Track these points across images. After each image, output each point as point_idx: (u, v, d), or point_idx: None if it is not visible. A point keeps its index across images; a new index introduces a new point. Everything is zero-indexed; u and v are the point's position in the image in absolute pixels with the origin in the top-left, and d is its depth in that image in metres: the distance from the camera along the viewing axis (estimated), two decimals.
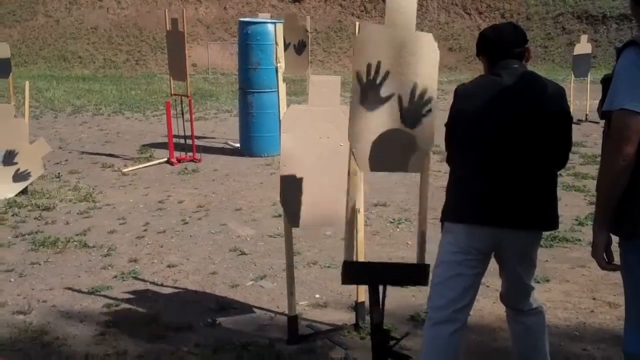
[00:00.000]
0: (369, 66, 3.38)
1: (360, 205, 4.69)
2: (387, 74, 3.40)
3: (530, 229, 3.44)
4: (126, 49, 35.02)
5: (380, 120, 3.45)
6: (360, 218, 4.74)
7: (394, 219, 7.51)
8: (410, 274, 3.83)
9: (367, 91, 3.41)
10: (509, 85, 3.38)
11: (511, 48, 3.51)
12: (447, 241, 3.52)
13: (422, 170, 3.58)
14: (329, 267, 6.07)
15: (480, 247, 3.42)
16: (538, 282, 5.30)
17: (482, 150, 3.36)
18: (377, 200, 8.15)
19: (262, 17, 12.54)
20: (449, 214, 3.52)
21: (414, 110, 3.49)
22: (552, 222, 3.51)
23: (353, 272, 3.73)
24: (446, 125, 3.57)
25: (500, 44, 3.53)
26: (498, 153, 3.33)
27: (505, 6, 35.44)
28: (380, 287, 3.80)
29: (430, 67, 3.49)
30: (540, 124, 3.35)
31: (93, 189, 9.19)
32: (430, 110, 3.50)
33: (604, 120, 3.03)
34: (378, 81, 3.39)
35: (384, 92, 3.42)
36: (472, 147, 3.39)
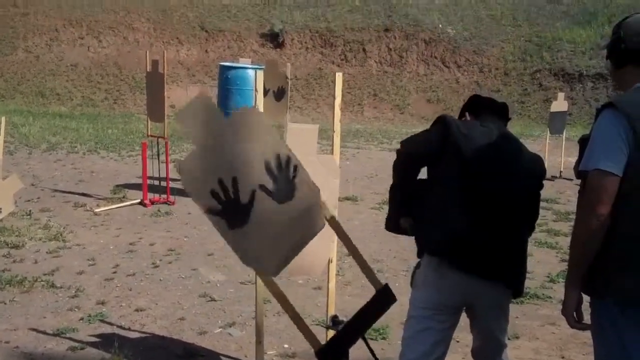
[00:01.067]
0: (213, 192, 2.84)
1: (333, 254, 4.67)
2: (234, 180, 2.89)
3: (502, 284, 3.45)
4: (105, 88, 34.96)
5: (259, 223, 2.97)
6: (333, 267, 4.72)
7: None
8: (379, 303, 3.80)
9: (229, 214, 2.88)
10: (493, 135, 3.42)
11: (495, 114, 3.58)
12: (415, 297, 3.52)
13: (326, 221, 3.29)
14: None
15: (448, 303, 3.41)
16: (508, 338, 5.28)
17: (466, 195, 3.35)
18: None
19: (243, 62, 12.62)
20: (430, 248, 3.48)
21: (282, 183, 3.00)
22: (521, 287, 3.54)
23: (330, 353, 3.64)
24: (423, 142, 3.52)
25: (490, 106, 3.60)
26: (481, 202, 3.34)
27: (483, 61, 35.89)
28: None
29: (265, 135, 2.96)
30: (519, 184, 3.39)
31: (64, 228, 9.09)
32: (295, 168, 2.99)
33: (579, 179, 3.06)
34: (232, 195, 2.88)
35: (244, 198, 2.91)
36: (457, 188, 3.38)
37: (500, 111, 3.65)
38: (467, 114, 3.71)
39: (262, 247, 3.00)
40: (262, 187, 2.92)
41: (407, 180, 3.59)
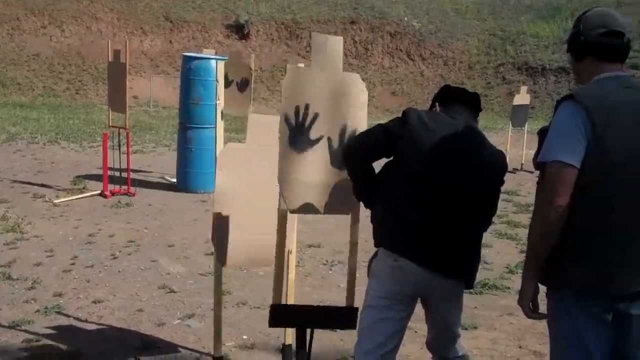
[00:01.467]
0: (297, 109, 3.36)
1: (293, 246, 4.64)
2: (316, 116, 3.39)
3: (457, 279, 3.45)
4: (67, 78, 34.55)
5: (310, 162, 3.43)
6: (292, 259, 4.69)
7: (327, 261, 7.48)
8: (339, 317, 3.81)
9: (295, 134, 3.39)
10: (458, 129, 3.39)
11: (467, 106, 3.57)
12: (372, 287, 3.50)
13: (352, 211, 3.58)
14: (258, 307, 5.98)
15: (405, 293, 3.40)
16: (466, 329, 5.31)
17: (422, 187, 3.34)
18: (311, 241, 8.10)
19: (207, 52, 12.50)
20: (386, 240, 3.47)
21: (341, 153, 3.49)
22: (473, 280, 3.56)
23: (280, 315, 3.68)
24: (384, 129, 3.45)
25: (461, 98, 3.59)
26: (437, 195, 3.33)
27: (448, 54, 36.12)
28: (308, 330, 3.76)
29: (359, 108, 3.51)
30: (478, 179, 3.39)
31: (22, 219, 8.94)
32: None
33: (539, 171, 3.06)
34: (307, 124, 3.38)
35: (313, 134, 3.41)
36: (413, 181, 3.34)
37: (471, 102, 3.63)
38: (437, 104, 3.68)
39: (298, 180, 3.43)
40: (329, 141, 3.44)
41: (356, 170, 3.58)
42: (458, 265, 3.41)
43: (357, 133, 3.50)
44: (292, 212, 3.53)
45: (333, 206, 3.56)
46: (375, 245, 3.57)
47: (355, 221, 3.59)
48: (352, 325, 3.68)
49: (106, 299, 6.13)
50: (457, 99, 3.61)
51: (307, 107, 3.37)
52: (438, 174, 3.32)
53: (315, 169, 3.44)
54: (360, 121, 3.50)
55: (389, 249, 3.40)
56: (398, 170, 3.41)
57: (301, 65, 3.88)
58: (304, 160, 3.42)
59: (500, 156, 3.57)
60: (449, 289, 3.46)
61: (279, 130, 3.37)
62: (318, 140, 3.43)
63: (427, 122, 3.37)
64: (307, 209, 3.53)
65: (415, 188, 3.34)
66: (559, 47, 33.04)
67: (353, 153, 3.50)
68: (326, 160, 3.46)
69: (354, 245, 3.61)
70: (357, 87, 3.50)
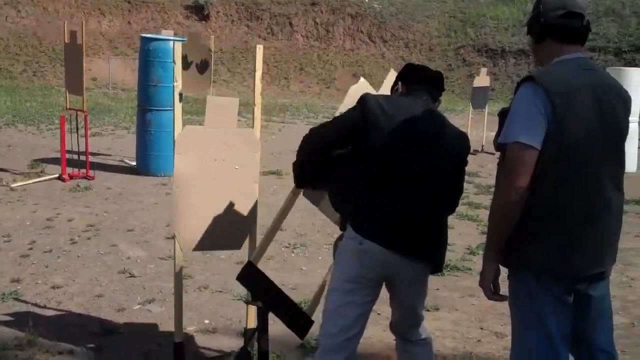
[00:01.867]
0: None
1: (255, 229, 4.61)
2: None
3: (422, 260, 3.45)
4: (24, 60, 33.93)
5: None
6: (255, 242, 4.66)
7: (289, 244, 7.46)
8: (295, 319, 3.89)
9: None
10: (417, 111, 3.40)
11: (429, 85, 3.57)
12: (337, 270, 3.50)
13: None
14: (220, 291, 5.95)
15: (370, 276, 3.40)
16: (428, 310, 5.33)
17: (385, 171, 3.33)
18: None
19: (166, 34, 12.36)
20: (351, 224, 3.45)
21: None
22: (441, 262, 3.57)
23: (250, 275, 3.69)
24: (337, 123, 3.52)
25: (421, 77, 3.60)
26: (401, 179, 3.33)
27: (409, 36, 36.18)
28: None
29: None
30: (440, 160, 3.40)
31: None
32: None
33: (499, 152, 3.07)
34: None
35: None
36: (376, 165, 3.34)
37: (434, 82, 3.64)
38: (400, 84, 3.67)
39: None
40: None
41: (303, 160, 3.67)
42: (425, 248, 3.41)
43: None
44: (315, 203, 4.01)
45: None
46: (340, 229, 3.57)
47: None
48: (301, 335, 3.75)
49: (65, 285, 6.05)
50: (419, 79, 3.61)
51: None
52: (400, 157, 3.32)
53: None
54: None
55: (353, 229, 3.39)
56: (360, 156, 3.41)
57: None
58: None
59: (462, 138, 3.58)
60: (415, 272, 3.46)
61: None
62: None
63: (385, 108, 3.38)
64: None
65: (378, 172, 3.34)
66: (518, 30, 33.28)
67: (305, 144, 3.59)
68: None
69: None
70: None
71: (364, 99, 3.41)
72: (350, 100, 3.77)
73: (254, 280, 3.88)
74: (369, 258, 3.34)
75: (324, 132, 3.55)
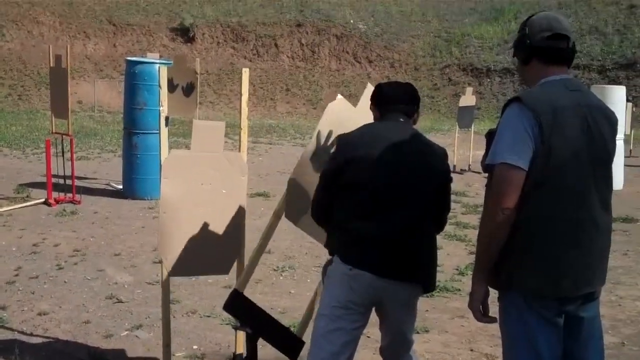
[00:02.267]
0: (329, 134, 3.92)
1: (242, 252, 4.58)
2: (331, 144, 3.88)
3: (413, 283, 3.44)
4: (9, 83, 33.86)
5: (314, 183, 3.68)
6: (242, 266, 4.63)
7: (277, 267, 7.42)
8: (286, 342, 3.85)
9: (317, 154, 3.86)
10: (392, 136, 3.42)
11: (401, 103, 3.56)
12: (326, 295, 3.48)
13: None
14: (208, 316, 5.90)
15: (360, 301, 3.38)
16: (417, 332, 5.31)
17: (368, 199, 3.36)
18: None
19: (151, 57, 12.36)
20: (340, 251, 3.47)
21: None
22: (432, 282, 3.55)
23: (238, 304, 3.65)
24: (325, 174, 3.53)
25: (392, 98, 3.58)
26: (385, 205, 3.35)
27: (394, 56, 36.36)
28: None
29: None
30: (422, 180, 3.40)
31: None
32: None
33: (486, 173, 3.07)
34: (325, 147, 3.95)
35: (323, 156, 3.88)
36: (362, 194, 3.37)
37: (407, 99, 3.64)
38: (373, 107, 3.69)
39: (304, 196, 3.76)
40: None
41: (322, 224, 3.75)
42: (415, 270, 3.40)
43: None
44: (294, 222, 4.01)
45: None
46: (330, 254, 3.56)
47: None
48: (293, 357, 3.71)
49: (52, 311, 5.98)
50: (390, 101, 3.60)
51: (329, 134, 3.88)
52: (382, 184, 3.35)
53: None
54: None
55: (343, 260, 3.39)
56: (343, 189, 3.43)
57: None
58: (313, 178, 3.74)
59: (441, 155, 3.57)
60: (405, 294, 3.45)
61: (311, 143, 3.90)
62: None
63: (361, 141, 3.44)
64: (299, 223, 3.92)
65: (362, 200, 3.36)
66: (503, 49, 33.53)
67: (315, 219, 3.70)
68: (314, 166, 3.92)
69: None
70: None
71: (337, 142, 3.53)
72: (329, 117, 3.80)
73: (242, 308, 3.85)
74: (358, 283, 3.33)
75: (319, 198, 3.59)
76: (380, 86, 3.73)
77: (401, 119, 3.55)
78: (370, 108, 3.73)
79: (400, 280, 3.37)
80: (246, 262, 4.32)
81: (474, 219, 10.08)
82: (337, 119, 3.60)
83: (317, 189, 3.62)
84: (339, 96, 3.97)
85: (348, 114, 3.73)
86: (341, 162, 3.43)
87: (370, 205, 3.36)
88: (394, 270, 3.33)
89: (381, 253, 3.31)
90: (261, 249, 4.03)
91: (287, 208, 3.76)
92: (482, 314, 3.08)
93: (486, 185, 3.10)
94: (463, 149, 15.56)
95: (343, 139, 3.50)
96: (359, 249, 3.35)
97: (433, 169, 3.48)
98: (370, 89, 3.90)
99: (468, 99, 15.90)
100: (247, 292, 4.67)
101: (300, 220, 3.95)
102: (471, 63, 34.48)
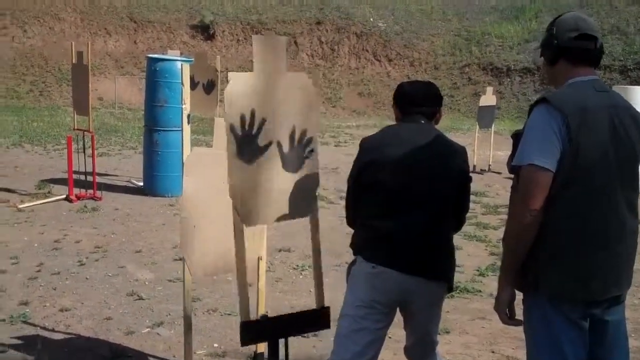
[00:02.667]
0: (242, 117, 3.18)
1: (263, 252, 4.58)
2: (262, 121, 3.24)
3: (439, 281, 3.45)
4: (30, 80, 34.02)
5: (261, 171, 3.29)
6: (263, 265, 4.63)
7: (297, 265, 7.42)
8: (312, 320, 3.75)
9: (243, 143, 3.21)
10: (412, 137, 3.44)
11: (422, 105, 3.57)
12: (349, 294, 3.48)
13: (310, 214, 3.51)
14: (229, 314, 5.91)
15: (384, 300, 3.39)
16: (438, 333, 5.28)
17: (391, 197, 3.41)
18: (281, 246, 8.03)
19: (172, 54, 12.38)
20: (363, 250, 3.51)
21: (295, 153, 3.39)
22: (452, 281, 3.56)
23: (252, 331, 3.59)
24: (351, 176, 3.55)
25: (413, 98, 3.59)
26: (407, 204, 3.40)
27: (414, 55, 36.21)
28: (282, 340, 3.70)
29: (307, 107, 3.40)
30: (441, 181, 3.42)
31: None
32: (312, 151, 3.43)
33: (512, 175, 3.07)
34: (254, 131, 3.22)
35: (261, 141, 3.26)
36: (383, 193, 3.42)
37: (429, 100, 3.65)
38: (395, 107, 3.71)
39: (251, 192, 3.26)
40: (279, 145, 3.29)
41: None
42: (438, 267, 3.43)
43: (307, 134, 3.42)
44: (249, 225, 3.33)
45: (291, 212, 3.46)
46: (354, 254, 3.57)
47: (315, 226, 3.50)
48: (325, 325, 3.63)
49: (73, 307, 6.02)
50: (411, 102, 3.61)
51: (252, 113, 3.20)
52: (403, 184, 3.41)
53: (269, 176, 3.31)
54: (310, 121, 3.40)
55: (366, 259, 3.40)
56: (366, 187, 3.50)
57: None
58: (256, 170, 3.27)
59: (461, 153, 3.61)
60: (430, 293, 3.45)
61: (226, 142, 3.19)
62: (267, 146, 3.28)
63: (381, 142, 3.52)
64: (264, 220, 3.44)
65: (382, 199, 3.43)
66: (523, 48, 33.29)
67: (349, 220, 3.79)
68: (278, 165, 3.34)
69: (316, 251, 3.54)
70: (303, 87, 3.38)
71: (360, 145, 3.58)
72: (234, 101, 3.23)
73: (258, 334, 3.77)
74: (383, 282, 3.34)
75: (348, 202, 3.73)
76: (402, 86, 3.74)
77: (422, 121, 3.56)
78: (392, 107, 3.74)
79: (426, 278, 3.38)
80: (267, 260, 4.30)
81: (494, 220, 10.03)
82: (241, 98, 3.22)
83: (346, 194, 3.71)
84: (230, 73, 3.55)
85: (248, 85, 3.27)
86: (362, 164, 3.51)
87: (391, 204, 3.41)
88: (419, 267, 3.35)
89: (403, 250, 3.35)
90: (243, 269, 3.70)
91: (244, 216, 3.47)
92: (508, 317, 3.08)
93: (512, 187, 3.09)
94: (483, 149, 15.45)
95: (365, 143, 3.58)
96: (382, 246, 3.40)
97: (452, 169, 3.51)
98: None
99: (488, 98, 15.80)
100: (267, 291, 4.68)
101: (262, 218, 3.59)
102: (491, 62, 34.26)
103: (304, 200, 3.45)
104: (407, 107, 3.62)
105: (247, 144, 3.21)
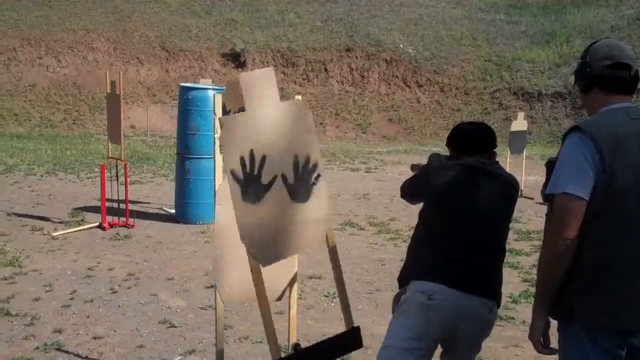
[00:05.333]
0: (242, 160, 3.02)
1: (294, 280, 4.58)
2: (263, 158, 3.10)
3: (491, 301, 3.47)
4: (64, 108, 34.56)
5: (269, 209, 3.14)
6: (294, 293, 4.62)
7: (328, 293, 7.40)
8: (344, 343, 3.73)
9: (247, 185, 3.04)
10: (471, 178, 3.58)
11: (480, 151, 3.66)
12: (395, 325, 3.47)
13: (327, 241, 3.47)
14: (260, 342, 5.90)
15: (432, 332, 3.37)
16: None
17: (447, 220, 3.54)
18: (312, 272, 8.03)
19: (204, 82, 12.55)
20: (419, 275, 3.53)
21: (302, 183, 3.26)
22: (500, 302, 3.59)
23: None
24: (418, 175, 3.77)
25: (471, 143, 3.74)
26: (465, 231, 3.50)
27: (444, 80, 36.25)
28: None
29: (305, 132, 3.27)
30: (502, 214, 3.60)
31: (20, 253, 8.86)
32: (319, 176, 3.28)
33: (547, 203, 3.05)
34: (256, 171, 3.06)
35: (265, 178, 3.10)
36: (437, 215, 3.58)
37: (479, 146, 3.72)
38: (450, 148, 3.82)
39: (262, 232, 3.10)
40: (284, 177, 3.13)
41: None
42: (492, 287, 3.47)
43: (310, 160, 3.28)
44: (265, 265, 3.15)
45: (307, 241, 3.39)
46: (402, 284, 3.59)
47: (333, 253, 3.43)
48: (358, 345, 3.60)
49: (106, 335, 6.05)
50: (468, 147, 3.69)
51: (251, 153, 3.05)
52: (461, 208, 3.53)
53: (278, 211, 3.18)
54: (309, 147, 3.27)
55: (422, 279, 3.45)
56: (427, 208, 3.67)
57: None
58: (264, 208, 3.12)
59: (513, 185, 3.72)
60: (481, 318, 3.46)
61: (230, 189, 3.00)
62: (272, 182, 3.13)
63: (445, 163, 3.66)
64: (279, 255, 3.37)
65: (443, 224, 3.56)
66: (554, 73, 33.18)
67: (403, 194, 4.00)
68: (286, 198, 3.20)
69: (339, 279, 3.50)
70: (298, 113, 3.25)
71: (428, 160, 3.76)
72: (237, 134, 3.09)
73: None
74: (437, 312, 3.34)
75: (407, 188, 3.96)
76: (456, 131, 3.85)
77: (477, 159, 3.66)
78: (447, 146, 3.82)
79: (478, 295, 3.44)
80: (297, 287, 4.30)
81: (527, 246, 9.94)
82: (237, 140, 3.16)
83: (409, 179, 3.89)
84: (220, 117, 3.41)
85: (242, 126, 3.09)
86: (429, 182, 3.66)
87: (451, 228, 3.52)
88: (470, 284, 3.42)
89: (458, 269, 3.44)
90: (265, 306, 3.65)
91: (259, 256, 3.37)
92: (542, 346, 3.05)
93: (546, 215, 3.07)
94: (515, 174, 15.30)
95: (433, 157, 3.76)
96: (437, 266, 3.47)
97: (507, 200, 3.65)
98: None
99: (520, 123, 15.75)
100: (298, 319, 4.67)
101: (277, 254, 3.52)
102: (522, 87, 34.18)
103: (318, 230, 3.39)
104: (462, 147, 3.74)
105: (251, 184, 3.08)
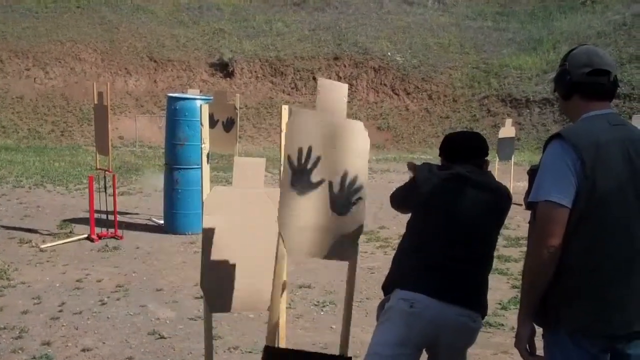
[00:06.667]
0: (300, 150, 3.30)
1: (284, 287, 4.58)
2: (318, 159, 3.33)
3: (475, 312, 3.46)
4: (52, 120, 34.40)
5: (310, 205, 3.36)
6: (283, 301, 4.63)
7: (318, 302, 7.40)
8: None
9: (297, 175, 3.31)
10: (463, 188, 3.59)
11: (472, 159, 3.68)
12: (380, 332, 3.48)
13: (350, 259, 3.53)
14: (250, 352, 5.90)
15: (415, 339, 3.39)
16: None
17: (443, 233, 3.53)
18: (302, 282, 8.03)
19: (192, 92, 12.50)
20: (402, 283, 3.52)
21: (344, 197, 3.43)
22: (485, 312, 3.58)
23: (274, 358, 3.61)
24: (412, 181, 3.74)
25: (462, 152, 3.77)
26: (455, 239, 3.51)
27: (432, 88, 36.29)
28: None
29: (361, 155, 3.48)
30: (487, 223, 3.61)
31: (8, 266, 8.82)
32: (360, 199, 3.46)
33: (529, 210, 3.07)
34: (309, 166, 3.31)
35: (314, 177, 3.34)
36: (434, 224, 3.57)
37: (477, 156, 3.74)
38: (441, 158, 3.84)
39: (298, 223, 3.33)
40: (330, 185, 3.36)
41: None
42: (478, 299, 3.47)
43: (357, 181, 3.47)
44: (291, 255, 3.44)
45: (331, 252, 3.49)
46: (386, 292, 3.59)
47: (352, 271, 3.51)
48: None
49: (95, 347, 6.03)
50: (460, 156, 3.71)
51: (309, 149, 3.31)
52: (450, 217, 3.54)
53: (315, 213, 3.38)
54: (361, 169, 3.47)
55: (404, 288, 3.44)
56: (414, 216, 3.70)
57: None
58: (305, 203, 3.35)
59: (503, 195, 3.74)
60: (465, 329, 3.46)
61: (282, 170, 3.33)
62: (319, 183, 3.36)
63: (434, 172, 3.68)
64: (305, 252, 3.48)
65: (432, 232, 3.56)
66: (542, 79, 33.30)
67: (393, 204, 3.99)
68: (326, 204, 3.40)
69: (349, 295, 3.53)
70: (359, 135, 3.47)
71: (419, 170, 3.77)
72: (295, 136, 3.42)
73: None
74: (418, 320, 3.35)
75: (398, 195, 3.93)
76: (448, 139, 3.89)
77: (468, 169, 3.66)
78: (439, 156, 3.83)
79: (460, 306, 3.43)
80: (286, 297, 4.31)
81: (516, 252, 9.97)
82: (301, 132, 3.38)
83: (399, 189, 3.89)
84: (294, 108, 3.72)
85: (309, 122, 3.45)
86: (416, 191, 3.68)
87: (435, 235, 3.53)
88: (454, 295, 3.42)
89: (441, 279, 3.43)
90: (278, 297, 3.83)
91: (288, 245, 3.55)
92: (528, 353, 3.06)
93: (529, 222, 3.09)
94: (503, 181, 15.31)
95: (422, 166, 3.79)
96: (420, 276, 3.46)
97: (499, 210, 3.68)
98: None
99: (508, 130, 15.80)
100: (288, 328, 4.68)
101: (303, 250, 3.70)
102: (510, 94, 34.26)
103: (345, 244, 3.48)
104: (455, 162, 3.76)
105: (301, 176, 3.32)
